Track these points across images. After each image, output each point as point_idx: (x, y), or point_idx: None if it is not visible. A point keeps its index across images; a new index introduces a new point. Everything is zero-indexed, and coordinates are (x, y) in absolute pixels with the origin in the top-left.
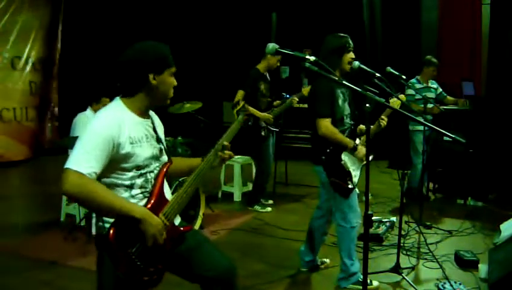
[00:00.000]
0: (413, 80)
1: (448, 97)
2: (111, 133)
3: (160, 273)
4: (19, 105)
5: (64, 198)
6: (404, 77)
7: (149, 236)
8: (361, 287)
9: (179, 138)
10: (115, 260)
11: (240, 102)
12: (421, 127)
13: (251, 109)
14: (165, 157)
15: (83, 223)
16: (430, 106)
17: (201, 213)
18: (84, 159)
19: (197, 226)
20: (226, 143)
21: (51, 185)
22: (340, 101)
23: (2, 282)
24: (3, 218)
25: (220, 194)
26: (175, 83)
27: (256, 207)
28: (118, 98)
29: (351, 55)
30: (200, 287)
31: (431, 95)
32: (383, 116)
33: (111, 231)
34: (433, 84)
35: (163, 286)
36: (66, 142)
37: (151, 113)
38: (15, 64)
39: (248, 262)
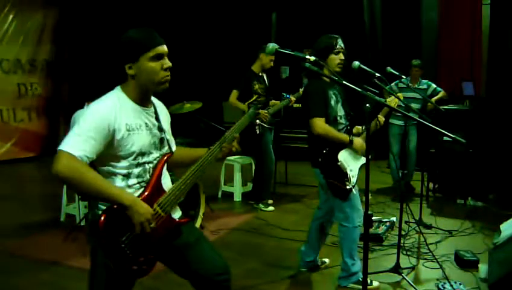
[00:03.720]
0: (396, 81)
1: (437, 91)
2: (107, 118)
3: (151, 264)
4: (5, 106)
5: (64, 198)
6: (404, 77)
7: (136, 224)
8: (361, 287)
9: (179, 138)
10: (104, 247)
11: (253, 96)
12: (396, 121)
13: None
14: (166, 148)
15: (83, 223)
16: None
17: (201, 213)
18: (77, 142)
19: (197, 226)
20: (236, 135)
21: (51, 185)
22: (332, 102)
23: (1, 282)
24: (3, 218)
25: (220, 194)
26: (166, 64)
27: (260, 205)
28: (118, 86)
29: (340, 56)
30: (191, 284)
31: (415, 95)
32: (380, 115)
33: (102, 218)
34: (423, 85)
35: (165, 286)
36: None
37: (157, 103)
38: (3, 67)
39: (248, 262)
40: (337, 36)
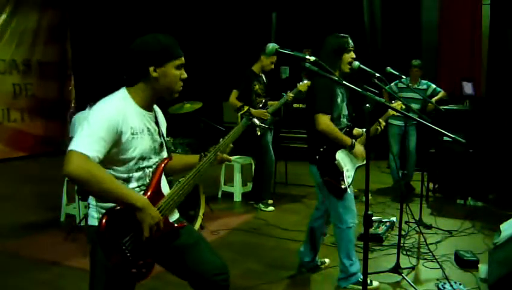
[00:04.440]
0: (396, 81)
1: (437, 92)
2: (116, 119)
3: (149, 267)
4: (0, 107)
5: (64, 198)
6: (404, 77)
7: (146, 226)
8: (361, 287)
9: (179, 138)
10: (106, 249)
11: (244, 106)
12: (395, 121)
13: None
14: (164, 153)
15: (82, 223)
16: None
17: (201, 213)
18: (89, 142)
19: (197, 226)
20: (229, 145)
21: (48, 185)
22: (339, 100)
23: (2, 282)
24: (3, 218)
25: (220, 194)
26: (183, 75)
27: (260, 205)
28: (123, 88)
29: (351, 55)
30: (189, 284)
31: (414, 95)
32: (380, 120)
33: (103, 220)
34: (422, 86)
35: (165, 286)
36: (66, 142)
37: (156, 108)
38: None
39: (248, 262)
40: (346, 35)
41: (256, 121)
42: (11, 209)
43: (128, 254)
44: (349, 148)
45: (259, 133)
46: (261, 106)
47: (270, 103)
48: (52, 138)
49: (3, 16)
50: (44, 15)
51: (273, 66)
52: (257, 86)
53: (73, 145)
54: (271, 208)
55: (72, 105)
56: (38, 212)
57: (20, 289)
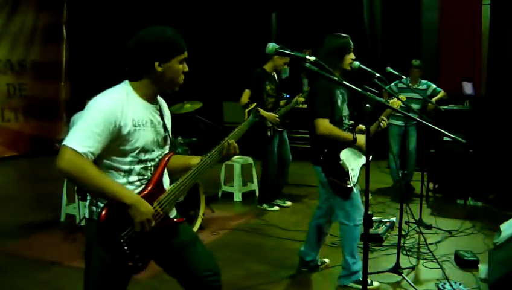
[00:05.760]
0: (396, 81)
1: (437, 91)
2: (113, 113)
3: (145, 262)
4: None
5: (64, 198)
6: (404, 77)
7: (137, 222)
8: (361, 287)
9: (179, 138)
10: (103, 241)
11: (251, 103)
12: (395, 121)
13: (260, 110)
14: (168, 147)
15: (82, 223)
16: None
17: (201, 213)
18: (81, 138)
19: (197, 227)
20: (231, 141)
21: (50, 185)
22: (339, 102)
23: (1, 282)
24: (3, 218)
25: (220, 194)
26: (186, 69)
27: (264, 205)
28: (126, 80)
29: (352, 55)
30: (179, 282)
31: (414, 95)
32: (383, 117)
33: (103, 212)
34: (422, 86)
35: (162, 284)
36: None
37: (161, 100)
38: None
39: (248, 262)
40: (347, 35)
41: (268, 123)
42: (11, 209)
43: (126, 247)
44: (353, 143)
45: (269, 134)
46: (258, 114)
47: (281, 102)
48: (47, 137)
49: (1, 17)
50: (40, 15)
51: (286, 67)
52: (268, 86)
53: (66, 141)
54: (276, 208)
55: (66, 105)
56: (38, 212)
57: (20, 288)
